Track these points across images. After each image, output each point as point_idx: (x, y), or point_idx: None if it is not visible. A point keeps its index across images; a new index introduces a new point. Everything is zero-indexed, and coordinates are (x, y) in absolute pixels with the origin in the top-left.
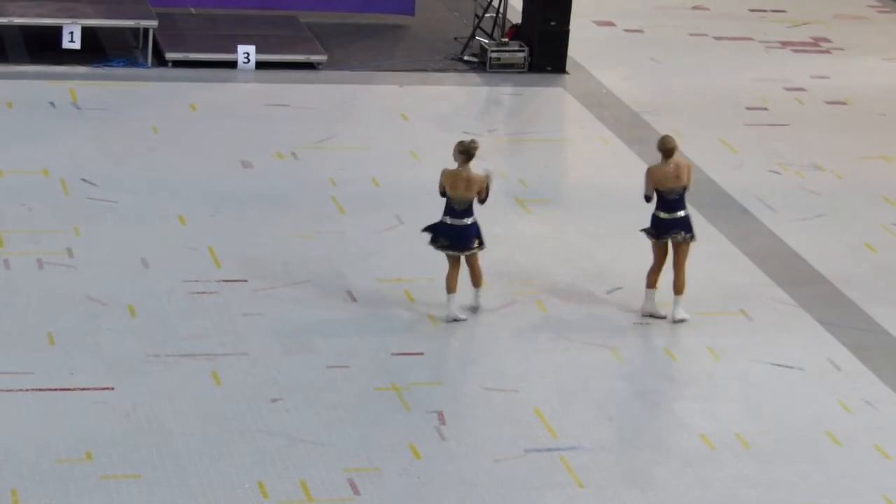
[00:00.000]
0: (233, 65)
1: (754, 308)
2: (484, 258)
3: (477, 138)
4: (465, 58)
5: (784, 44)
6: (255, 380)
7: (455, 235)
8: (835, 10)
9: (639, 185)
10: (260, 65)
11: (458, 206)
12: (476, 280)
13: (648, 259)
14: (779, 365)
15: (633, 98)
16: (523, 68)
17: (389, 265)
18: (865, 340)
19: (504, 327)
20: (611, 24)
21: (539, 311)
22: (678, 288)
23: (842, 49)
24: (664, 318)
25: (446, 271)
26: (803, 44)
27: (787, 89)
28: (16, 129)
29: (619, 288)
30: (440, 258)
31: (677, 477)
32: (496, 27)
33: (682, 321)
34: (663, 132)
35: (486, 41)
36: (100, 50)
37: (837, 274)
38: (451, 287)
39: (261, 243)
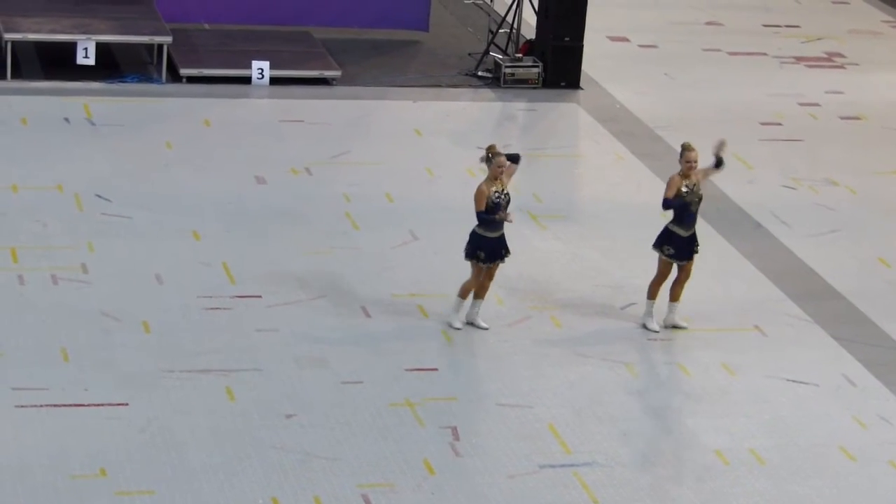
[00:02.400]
0: (247, 80)
1: (769, 324)
2: (499, 273)
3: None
4: (479, 73)
5: (798, 59)
6: (270, 395)
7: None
8: (849, 26)
9: (653, 199)
10: (274, 80)
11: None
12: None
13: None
14: (793, 380)
15: (647, 113)
16: (537, 84)
17: (403, 280)
18: (880, 356)
19: (518, 343)
20: (625, 39)
21: (553, 326)
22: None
23: (856, 64)
24: (685, 328)
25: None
26: (817, 59)
27: (802, 104)
28: (30, 145)
29: (633, 303)
30: (454, 273)
31: (692, 492)
32: (510, 43)
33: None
34: (678, 148)
35: (500, 57)
36: (114, 66)
37: (852, 289)
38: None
39: (275, 259)
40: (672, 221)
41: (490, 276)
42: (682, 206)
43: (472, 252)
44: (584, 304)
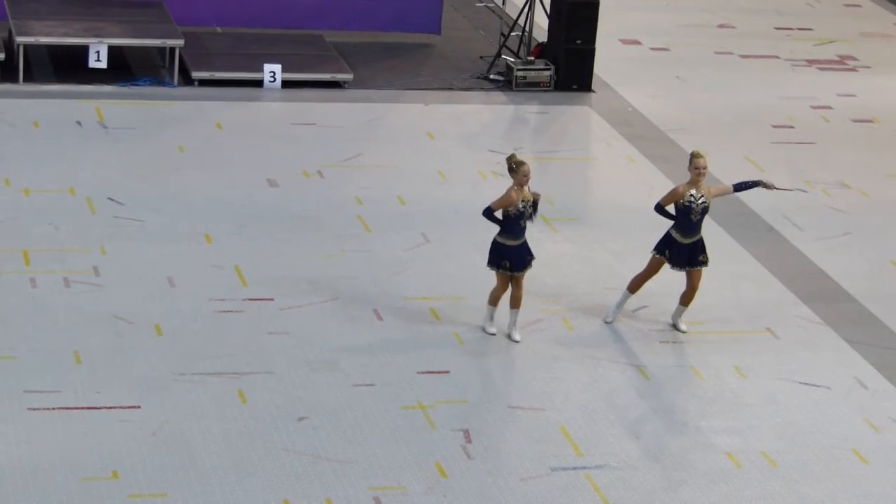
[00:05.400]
0: (259, 84)
1: (781, 326)
2: None
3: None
4: (491, 76)
5: (810, 62)
6: (281, 398)
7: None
8: (861, 29)
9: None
10: (286, 84)
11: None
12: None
13: (674, 277)
14: (805, 383)
15: (659, 116)
16: (549, 87)
17: (415, 284)
18: (892, 358)
19: (530, 345)
20: (637, 42)
21: (565, 329)
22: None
23: (868, 67)
24: (685, 332)
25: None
26: (829, 62)
27: (814, 107)
28: (42, 149)
29: (644, 306)
30: (466, 277)
31: (704, 495)
32: (522, 46)
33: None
34: (689, 150)
35: (512, 60)
36: (126, 69)
37: (864, 292)
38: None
39: (287, 262)
40: (673, 226)
41: (518, 285)
42: (683, 214)
43: (497, 261)
44: (596, 306)
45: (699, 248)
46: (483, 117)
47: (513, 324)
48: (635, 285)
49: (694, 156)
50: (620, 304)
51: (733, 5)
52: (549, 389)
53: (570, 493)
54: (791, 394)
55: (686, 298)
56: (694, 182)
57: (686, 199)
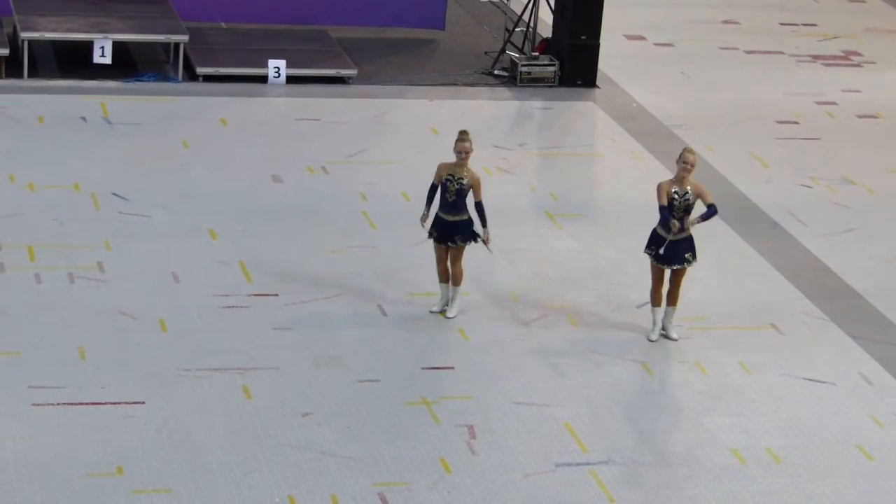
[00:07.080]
0: (263, 79)
1: (785, 322)
2: (515, 273)
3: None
4: (496, 72)
5: (815, 58)
6: (286, 394)
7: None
8: (866, 24)
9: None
10: (290, 79)
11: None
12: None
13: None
14: (810, 379)
15: (664, 112)
16: (553, 82)
17: (420, 279)
18: None
19: (534, 342)
20: (641, 38)
21: (570, 325)
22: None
23: (873, 63)
24: (675, 339)
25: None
26: (834, 57)
27: (818, 103)
28: (47, 144)
29: (648, 302)
30: (469, 272)
31: (708, 491)
32: (526, 41)
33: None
34: (694, 146)
35: (517, 55)
36: (131, 65)
37: (868, 288)
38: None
39: (291, 258)
40: (658, 223)
41: (451, 260)
42: (668, 208)
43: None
44: (601, 302)
45: (685, 245)
46: (487, 113)
47: (445, 301)
48: (654, 297)
49: (685, 150)
50: (656, 321)
51: (738, 1)
52: (554, 385)
53: (574, 489)
54: (795, 390)
55: (671, 298)
56: (679, 177)
57: (670, 194)
